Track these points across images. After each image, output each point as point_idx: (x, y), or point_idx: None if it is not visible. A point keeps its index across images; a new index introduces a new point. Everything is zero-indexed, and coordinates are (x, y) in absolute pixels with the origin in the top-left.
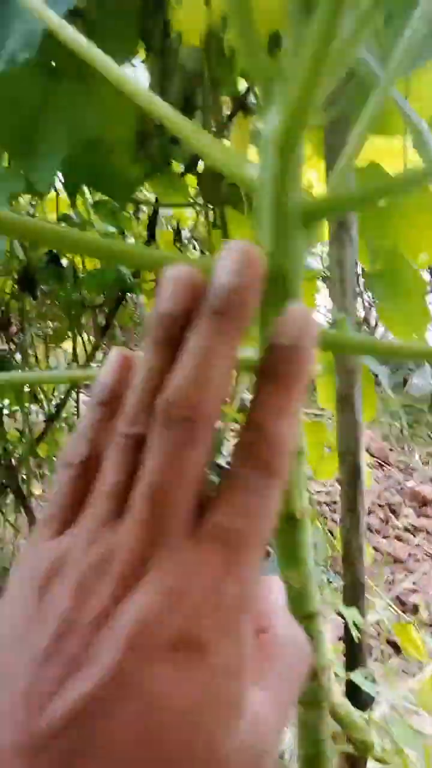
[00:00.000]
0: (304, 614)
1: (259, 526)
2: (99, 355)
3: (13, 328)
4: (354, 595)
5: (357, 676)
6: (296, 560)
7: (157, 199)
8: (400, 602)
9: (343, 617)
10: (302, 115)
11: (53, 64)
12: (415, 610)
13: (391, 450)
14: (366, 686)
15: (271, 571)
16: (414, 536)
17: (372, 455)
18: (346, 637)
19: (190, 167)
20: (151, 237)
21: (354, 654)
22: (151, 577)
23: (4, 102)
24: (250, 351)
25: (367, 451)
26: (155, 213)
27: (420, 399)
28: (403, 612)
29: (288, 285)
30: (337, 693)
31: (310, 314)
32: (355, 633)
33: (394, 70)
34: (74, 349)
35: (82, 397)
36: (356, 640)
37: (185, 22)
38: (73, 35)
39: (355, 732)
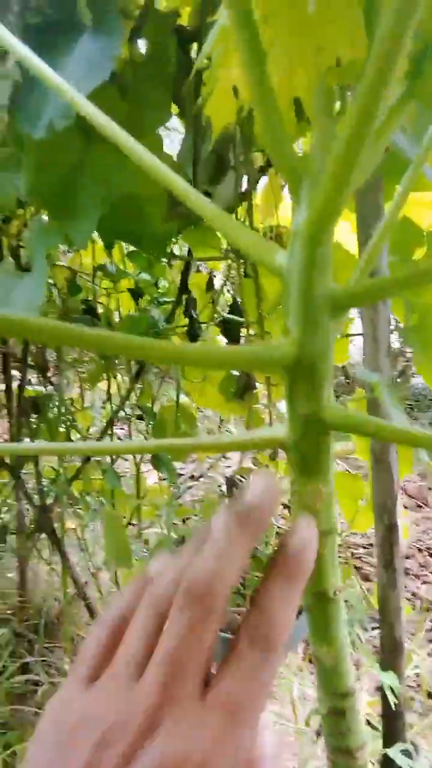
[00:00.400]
0: (336, 692)
1: (257, 693)
2: (133, 397)
3: (51, 371)
4: (392, 656)
5: (395, 752)
6: (328, 637)
7: (190, 252)
8: None
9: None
10: (331, 214)
11: (87, 127)
12: None
13: (430, 489)
14: (404, 763)
15: (298, 630)
16: None
17: (409, 496)
18: (383, 705)
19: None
20: (184, 290)
21: (391, 724)
22: (161, 737)
23: (44, 163)
24: (279, 429)
25: (404, 490)
26: (188, 267)
27: None
28: None
29: (316, 372)
30: None
31: (314, 532)
32: (392, 699)
33: (427, 149)
34: (108, 389)
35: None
36: (393, 707)
37: (214, 111)
38: (94, 113)
39: None
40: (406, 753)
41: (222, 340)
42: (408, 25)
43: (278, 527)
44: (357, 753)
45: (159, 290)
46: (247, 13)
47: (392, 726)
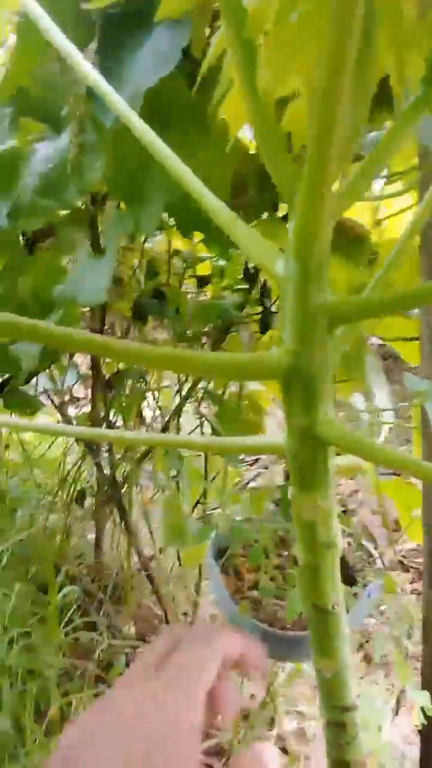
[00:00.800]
0: (336, 705)
1: None
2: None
3: None
4: None
5: None
6: (329, 650)
7: None
8: None
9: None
10: (314, 228)
11: (159, 117)
12: None
13: None
14: None
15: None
16: None
17: None
18: (423, 731)
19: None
20: (250, 279)
21: (429, 745)
22: None
23: (118, 151)
24: (281, 436)
25: None
26: (257, 269)
27: None
28: None
29: (312, 385)
30: None
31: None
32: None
33: None
34: (179, 377)
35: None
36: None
37: (230, 113)
38: (140, 125)
39: None
40: None
41: None
42: (349, 41)
43: None
44: (357, 766)
45: (230, 279)
46: (246, 41)
47: (429, 748)
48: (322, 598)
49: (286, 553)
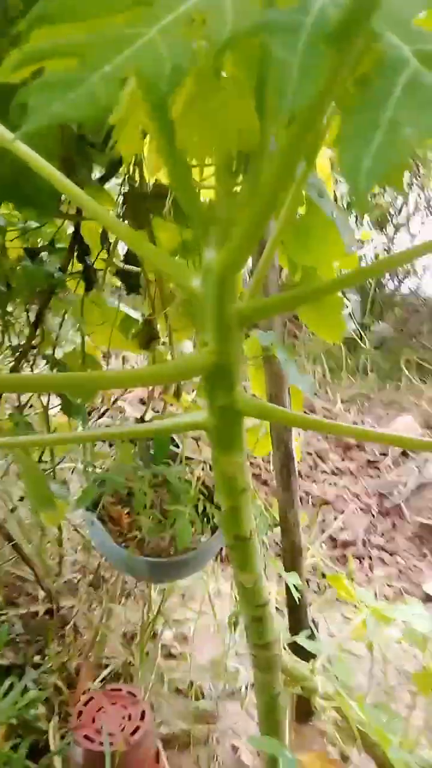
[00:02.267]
0: (255, 605)
1: None
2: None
3: None
4: (292, 560)
5: (301, 639)
6: (248, 567)
7: (79, 211)
8: (332, 539)
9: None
10: (239, 262)
11: None
12: (344, 545)
13: (316, 395)
14: (308, 645)
15: (213, 547)
16: (340, 479)
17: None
18: (288, 600)
19: (110, 175)
20: (77, 241)
21: (296, 615)
22: None
23: None
24: (199, 415)
25: None
26: (77, 228)
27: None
28: (334, 547)
29: (231, 373)
30: (286, 657)
31: None
32: (296, 595)
33: None
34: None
35: None
36: (297, 602)
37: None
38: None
39: (303, 682)
40: (311, 637)
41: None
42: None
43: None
44: (272, 646)
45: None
46: (163, 107)
47: (297, 617)
48: (243, 530)
49: (157, 492)
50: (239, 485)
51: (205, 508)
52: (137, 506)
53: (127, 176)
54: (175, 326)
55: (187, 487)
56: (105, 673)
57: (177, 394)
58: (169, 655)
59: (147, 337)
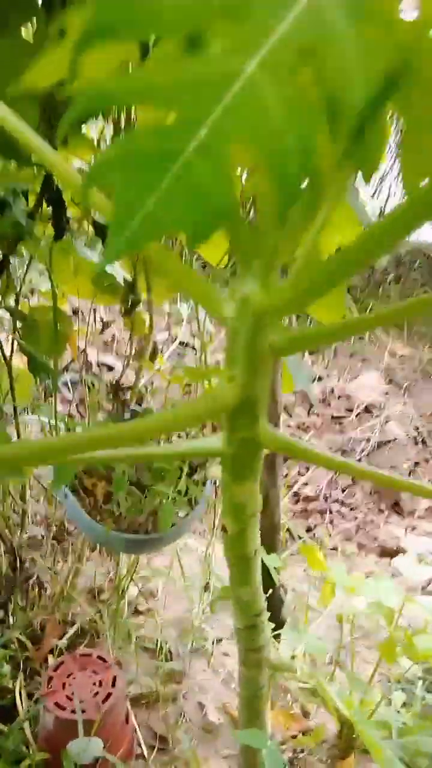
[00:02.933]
0: (253, 614)
1: None
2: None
3: None
4: (271, 538)
5: (285, 632)
6: (249, 582)
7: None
8: (294, 494)
9: None
10: (286, 307)
11: None
12: (307, 500)
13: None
14: (289, 636)
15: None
16: (306, 434)
17: None
18: (265, 585)
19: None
20: (47, 188)
21: (275, 601)
22: None
23: None
24: (213, 441)
25: None
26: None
27: None
28: (297, 502)
29: (257, 406)
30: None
31: None
32: (275, 577)
33: None
34: None
35: None
36: (277, 584)
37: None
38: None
39: (285, 671)
40: (279, 602)
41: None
42: None
43: None
44: (263, 649)
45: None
46: None
47: (275, 606)
48: (248, 550)
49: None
50: (249, 510)
51: (186, 485)
52: (116, 487)
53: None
54: (155, 288)
55: (168, 463)
56: (71, 631)
57: (153, 358)
58: (136, 612)
59: (130, 303)
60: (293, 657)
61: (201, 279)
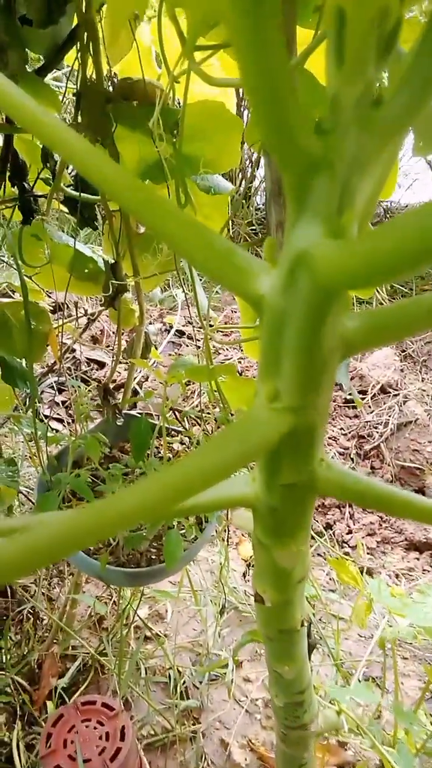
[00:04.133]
0: (297, 692)
1: None
2: None
3: None
4: None
5: (334, 691)
6: (292, 658)
7: (8, 119)
8: None
9: None
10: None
11: None
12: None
13: None
14: (337, 694)
15: (196, 547)
16: None
17: None
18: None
19: (53, 63)
20: (7, 159)
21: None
22: None
23: None
24: (244, 487)
25: None
26: (9, 141)
27: None
28: None
29: (311, 441)
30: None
31: None
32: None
33: None
34: None
35: None
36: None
37: None
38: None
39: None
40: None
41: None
42: None
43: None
44: (308, 726)
45: None
46: None
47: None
48: (292, 623)
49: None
50: (296, 577)
51: None
52: None
53: (78, 65)
54: (143, 272)
55: None
56: (73, 667)
57: (145, 353)
58: (145, 639)
59: (113, 291)
60: (339, 713)
61: (214, 236)
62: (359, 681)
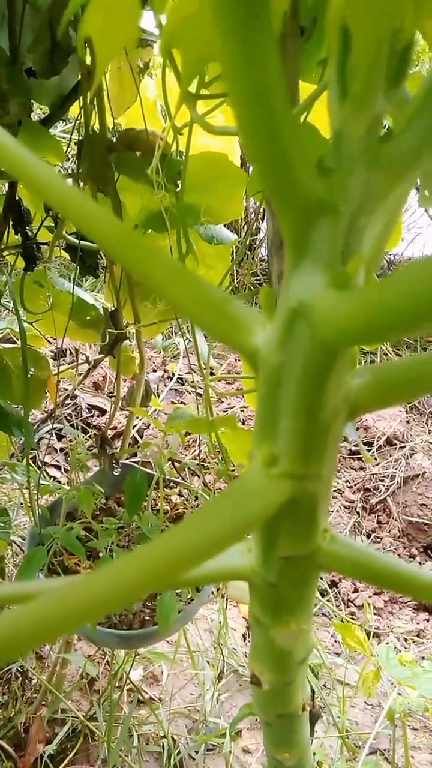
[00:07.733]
0: None
1: None
2: None
3: None
4: None
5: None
6: (292, 745)
7: None
8: None
9: None
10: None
11: None
12: None
13: None
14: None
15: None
16: None
17: None
18: None
19: (58, 114)
20: (12, 205)
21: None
22: None
23: None
24: (239, 559)
25: None
26: (12, 188)
27: None
28: None
29: (313, 511)
30: None
31: None
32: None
33: None
34: None
35: None
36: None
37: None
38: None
39: None
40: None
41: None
42: None
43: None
44: None
45: None
46: None
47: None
48: (292, 707)
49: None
50: (297, 657)
51: None
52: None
53: (82, 116)
54: (144, 320)
55: None
56: (61, 733)
57: (145, 401)
58: (139, 703)
59: (111, 339)
60: None
61: (207, 286)
62: (366, 755)
